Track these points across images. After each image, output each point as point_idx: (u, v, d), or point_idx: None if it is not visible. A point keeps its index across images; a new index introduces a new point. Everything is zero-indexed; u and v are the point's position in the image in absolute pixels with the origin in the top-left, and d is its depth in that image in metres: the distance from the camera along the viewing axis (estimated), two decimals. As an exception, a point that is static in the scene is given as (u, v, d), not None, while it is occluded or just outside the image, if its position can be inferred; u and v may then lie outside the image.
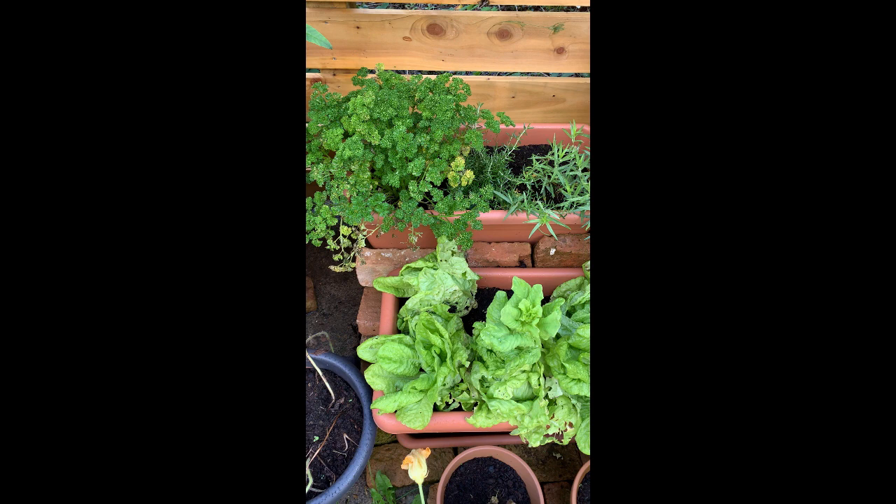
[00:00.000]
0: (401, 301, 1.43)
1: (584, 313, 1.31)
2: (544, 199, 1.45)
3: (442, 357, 1.21)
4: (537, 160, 1.46)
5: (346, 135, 1.25)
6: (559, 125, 1.60)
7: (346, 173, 1.23)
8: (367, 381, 1.24)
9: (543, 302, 1.42)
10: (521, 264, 1.54)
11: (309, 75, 1.65)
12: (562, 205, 1.35)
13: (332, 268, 1.35)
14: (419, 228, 1.35)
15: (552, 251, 1.49)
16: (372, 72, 1.40)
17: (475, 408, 1.19)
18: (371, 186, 1.24)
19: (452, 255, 1.35)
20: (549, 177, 1.43)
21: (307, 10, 1.44)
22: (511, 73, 2.03)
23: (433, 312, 1.29)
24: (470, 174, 1.25)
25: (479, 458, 1.39)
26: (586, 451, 1.17)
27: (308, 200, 1.22)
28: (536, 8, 1.59)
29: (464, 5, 1.48)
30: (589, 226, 1.37)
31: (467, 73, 2.06)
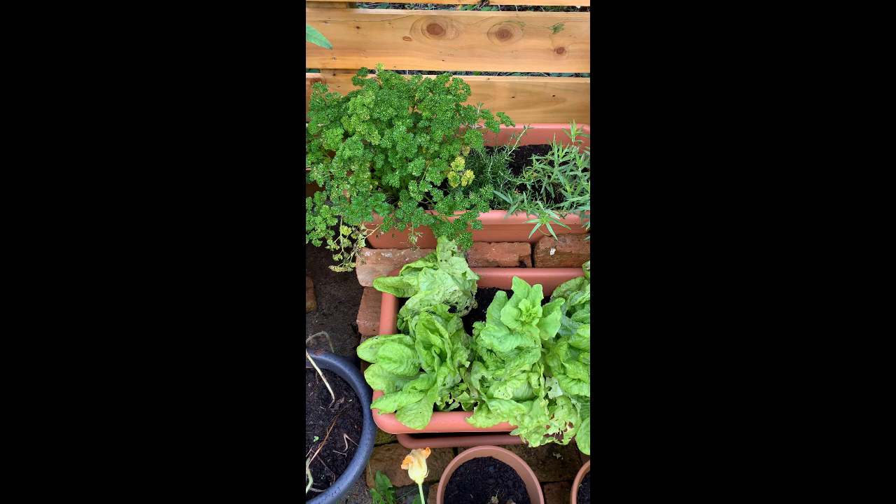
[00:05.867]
0: (401, 301, 1.43)
1: (584, 313, 1.31)
2: (544, 199, 1.45)
3: (442, 357, 1.21)
4: (537, 160, 1.46)
5: (346, 135, 1.25)
6: (559, 125, 1.60)
7: (346, 173, 1.23)
8: (367, 381, 1.24)
9: (543, 302, 1.42)
10: (521, 264, 1.54)
11: (309, 75, 1.65)
12: (562, 205, 1.35)
13: (332, 268, 1.35)
14: (419, 228, 1.35)
15: (552, 251, 1.49)
16: (372, 72, 1.40)
17: (475, 408, 1.19)
18: (371, 186, 1.24)
19: (452, 255, 1.35)
20: (549, 177, 1.43)
21: (307, 10, 1.44)
22: (511, 73, 2.03)
23: (433, 312, 1.29)
24: (470, 174, 1.25)
25: (479, 458, 1.39)
26: (586, 451, 1.17)
27: (308, 200, 1.22)
28: (536, 8, 1.59)
29: (464, 5, 1.48)
30: (589, 226, 1.37)
31: (467, 73, 2.06)
